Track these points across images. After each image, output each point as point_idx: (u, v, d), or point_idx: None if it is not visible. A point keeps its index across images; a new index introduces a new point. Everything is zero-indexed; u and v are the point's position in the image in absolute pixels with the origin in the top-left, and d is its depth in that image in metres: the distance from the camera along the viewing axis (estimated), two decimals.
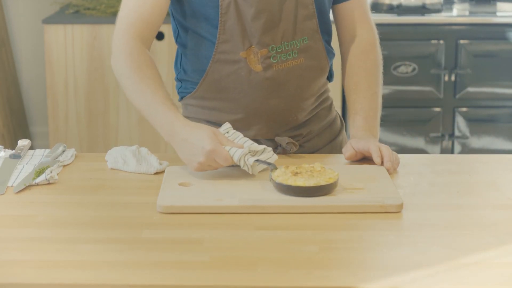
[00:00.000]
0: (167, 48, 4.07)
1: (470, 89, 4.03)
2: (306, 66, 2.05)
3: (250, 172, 1.84)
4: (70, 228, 1.64)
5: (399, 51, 3.99)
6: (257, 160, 1.83)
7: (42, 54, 4.55)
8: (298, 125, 2.11)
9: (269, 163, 1.83)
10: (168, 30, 4.04)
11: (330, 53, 2.12)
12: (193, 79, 2.09)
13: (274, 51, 2.01)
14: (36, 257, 1.50)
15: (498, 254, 1.52)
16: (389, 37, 3.89)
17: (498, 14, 4.18)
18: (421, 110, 4.07)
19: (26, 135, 4.61)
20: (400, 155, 1.99)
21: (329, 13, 2.10)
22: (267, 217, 1.68)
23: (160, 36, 4.06)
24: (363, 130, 2.05)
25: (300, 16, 2.02)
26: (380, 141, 2.07)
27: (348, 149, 1.99)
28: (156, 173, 1.93)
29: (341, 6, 2.12)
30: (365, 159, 1.99)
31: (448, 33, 3.99)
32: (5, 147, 2.09)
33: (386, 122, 4.02)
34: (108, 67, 4.01)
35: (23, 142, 2.08)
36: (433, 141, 4.08)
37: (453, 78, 4.02)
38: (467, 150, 4.09)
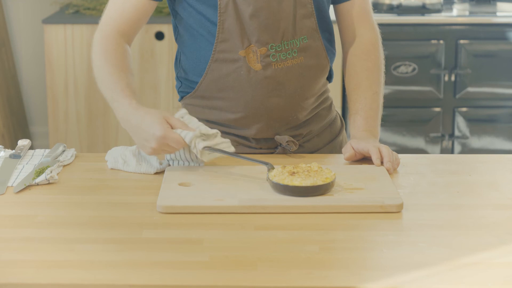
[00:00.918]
0: (167, 48, 4.07)
1: (470, 89, 4.03)
2: (306, 65, 2.05)
3: (199, 157, 1.85)
4: (70, 228, 1.63)
5: (399, 51, 3.99)
6: (208, 148, 1.84)
7: (42, 54, 4.55)
8: (298, 125, 2.11)
9: (223, 151, 1.85)
10: (168, 30, 4.04)
11: (331, 53, 2.12)
12: (193, 79, 2.09)
13: (274, 50, 2.01)
14: (36, 257, 1.50)
15: (498, 254, 1.52)
16: (389, 37, 3.89)
17: (498, 14, 4.18)
18: (421, 110, 4.07)
19: (26, 135, 4.61)
20: (400, 155, 1.99)
21: (328, 11, 2.10)
22: (267, 217, 1.68)
23: (160, 36, 4.06)
24: (364, 130, 2.05)
25: (298, 15, 2.02)
26: (380, 141, 2.07)
27: (348, 149, 1.99)
28: (156, 173, 1.92)
29: (342, 5, 2.12)
30: (365, 159, 1.99)
31: (448, 33, 3.99)
32: (5, 147, 2.09)
33: (386, 122, 4.02)
34: None
35: (23, 142, 2.08)
36: (433, 141, 4.08)
37: (453, 78, 4.02)
38: (467, 150, 4.08)
